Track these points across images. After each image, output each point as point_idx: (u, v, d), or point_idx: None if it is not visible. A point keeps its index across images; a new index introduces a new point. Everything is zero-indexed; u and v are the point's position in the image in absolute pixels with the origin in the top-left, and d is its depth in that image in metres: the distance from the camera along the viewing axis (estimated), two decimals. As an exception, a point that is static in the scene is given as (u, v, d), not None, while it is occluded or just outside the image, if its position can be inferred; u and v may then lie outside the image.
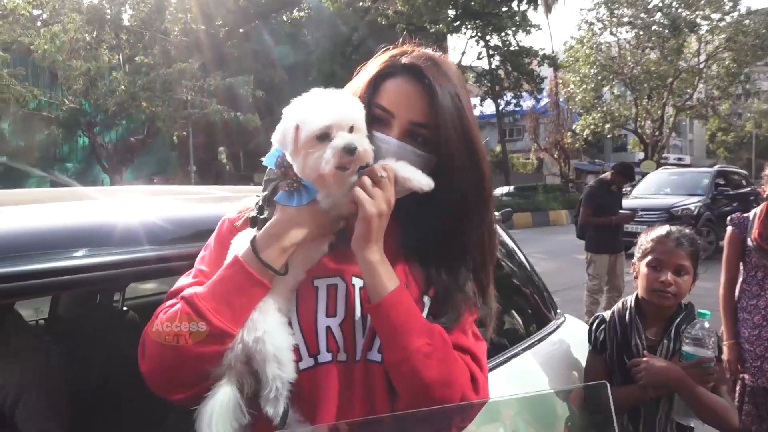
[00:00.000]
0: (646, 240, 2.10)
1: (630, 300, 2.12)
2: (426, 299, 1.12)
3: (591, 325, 2.15)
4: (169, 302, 1.06)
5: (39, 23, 16.47)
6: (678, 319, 2.00)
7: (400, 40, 1.20)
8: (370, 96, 1.11)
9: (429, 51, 1.17)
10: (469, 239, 1.14)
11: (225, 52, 18.11)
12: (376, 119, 1.09)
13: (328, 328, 1.08)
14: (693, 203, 12.82)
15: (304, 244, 1.06)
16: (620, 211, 6.56)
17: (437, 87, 1.07)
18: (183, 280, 1.12)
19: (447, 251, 1.14)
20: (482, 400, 1.08)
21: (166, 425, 1.61)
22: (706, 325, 1.92)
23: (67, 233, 1.28)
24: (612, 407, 1.11)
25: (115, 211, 1.54)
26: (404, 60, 1.12)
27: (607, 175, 6.73)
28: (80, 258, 1.19)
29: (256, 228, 1.07)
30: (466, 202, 1.12)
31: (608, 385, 1.12)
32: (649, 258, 2.05)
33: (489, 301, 1.19)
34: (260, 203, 1.09)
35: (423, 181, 1.07)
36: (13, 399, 1.78)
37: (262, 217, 1.07)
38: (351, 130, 1.02)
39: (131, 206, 1.64)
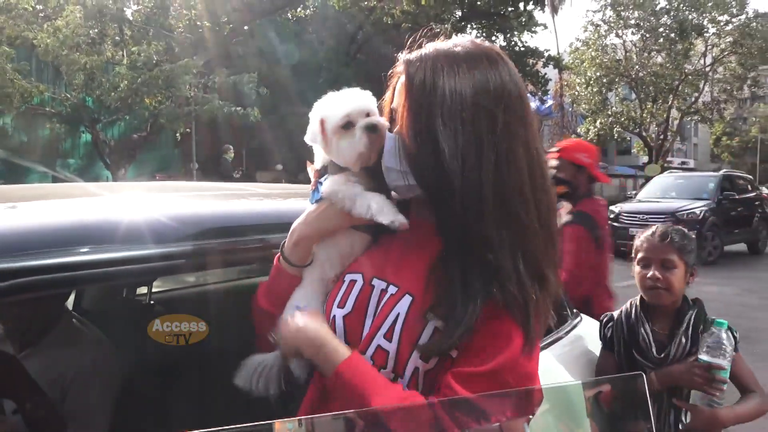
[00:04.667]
0: (637, 241, 2.18)
1: (636, 299, 2.19)
2: (431, 318, 1.06)
3: (601, 324, 2.25)
4: None
5: (41, 17, 16.43)
6: (689, 316, 2.05)
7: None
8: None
9: (440, 39, 1.16)
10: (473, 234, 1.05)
11: (230, 49, 18.06)
12: (393, 121, 1.17)
13: (333, 318, 1.18)
14: (698, 207, 12.92)
15: (320, 239, 1.24)
16: None
17: (411, 77, 1.10)
18: None
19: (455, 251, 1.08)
20: (506, 391, 1.02)
21: (198, 414, 1.71)
22: (723, 335, 1.94)
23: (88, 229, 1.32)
24: (648, 397, 1.13)
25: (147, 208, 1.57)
26: (402, 56, 1.16)
27: None
28: (108, 252, 1.23)
29: None
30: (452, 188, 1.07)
31: (644, 375, 1.15)
32: (638, 257, 2.13)
33: (540, 306, 1.06)
34: None
35: (396, 219, 1.15)
36: (62, 390, 1.84)
37: None
38: (367, 116, 1.19)
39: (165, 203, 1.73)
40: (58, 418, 1.71)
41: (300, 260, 1.25)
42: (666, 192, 14.48)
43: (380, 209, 1.15)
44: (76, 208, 1.54)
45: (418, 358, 1.05)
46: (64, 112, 16.02)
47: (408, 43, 1.18)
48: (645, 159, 34.50)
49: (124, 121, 17.30)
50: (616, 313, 2.23)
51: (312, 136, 1.21)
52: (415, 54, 1.12)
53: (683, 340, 2.01)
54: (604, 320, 2.23)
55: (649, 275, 2.04)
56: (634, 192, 20.46)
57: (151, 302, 2.75)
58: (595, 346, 2.29)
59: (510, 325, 1.03)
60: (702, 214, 12.70)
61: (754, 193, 15.06)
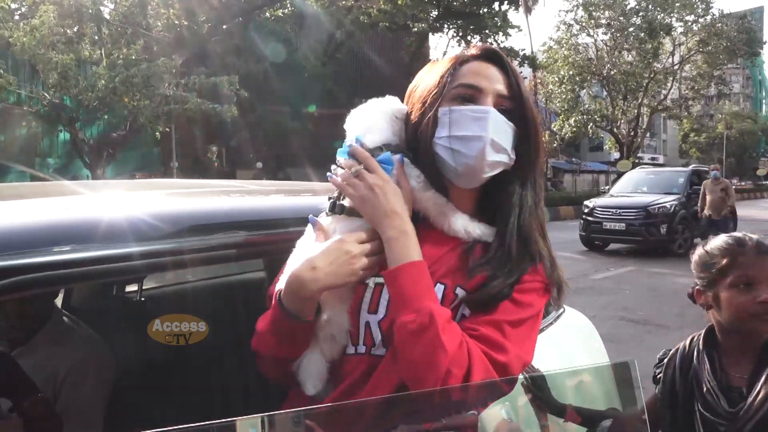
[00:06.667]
0: (713, 256, 1.63)
1: (698, 336, 1.70)
2: (459, 290, 1.13)
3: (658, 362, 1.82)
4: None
5: (17, 17, 16.26)
6: None
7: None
8: (449, 79, 1.18)
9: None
10: (512, 203, 1.19)
11: (208, 48, 18.06)
12: (464, 98, 1.17)
13: (367, 324, 1.16)
14: (669, 201, 13.22)
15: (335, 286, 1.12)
16: None
17: (509, 65, 1.18)
18: None
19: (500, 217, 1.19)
20: (488, 381, 1.05)
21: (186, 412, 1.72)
22: None
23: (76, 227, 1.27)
24: (639, 384, 1.12)
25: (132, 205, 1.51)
26: (474, 50, 1.21)
27: None
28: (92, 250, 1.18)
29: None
30: (526, 168, 1.20)
31: (635, 362, 1.11)
32: (732, 276, 1.58)
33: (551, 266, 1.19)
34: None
35: (484, 232, 1.18)
36: (55, 388, 1.83)
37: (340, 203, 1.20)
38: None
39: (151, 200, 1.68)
40: (54, 416, 1.66)
41: (311, 313, 1.14)
42: (638, 187, 14.77)
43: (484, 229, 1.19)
44: (57, 206, 1.49)
45: None
46: (42, 111, 15.88)
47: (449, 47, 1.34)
48: (616, 155, 35.22)
49: (103, 120, 17.17)
50: (672, 351, 1.76)
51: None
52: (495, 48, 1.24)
53: (766, 389, 1.49)
54: (659, 356, 1.79)
55: (761, 299, 1.52)
56: (606, 187, 20.96)
57: (142, 299, 2.69)
58: (578, 338, 2.25)
59: (539, 288, 1.17)
60: (672, 207, 12.99)
61: (721, 187, 15.54)
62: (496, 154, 1.14)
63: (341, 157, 1.20)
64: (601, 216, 13.25)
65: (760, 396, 1.48)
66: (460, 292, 1.13)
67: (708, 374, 1.59)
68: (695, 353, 1.66)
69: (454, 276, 1.14)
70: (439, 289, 1.12)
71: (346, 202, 1.18)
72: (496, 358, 1.06)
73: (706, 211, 12.01)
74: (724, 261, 1.59)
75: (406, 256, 1.09)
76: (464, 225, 1.17)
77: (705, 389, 1.58)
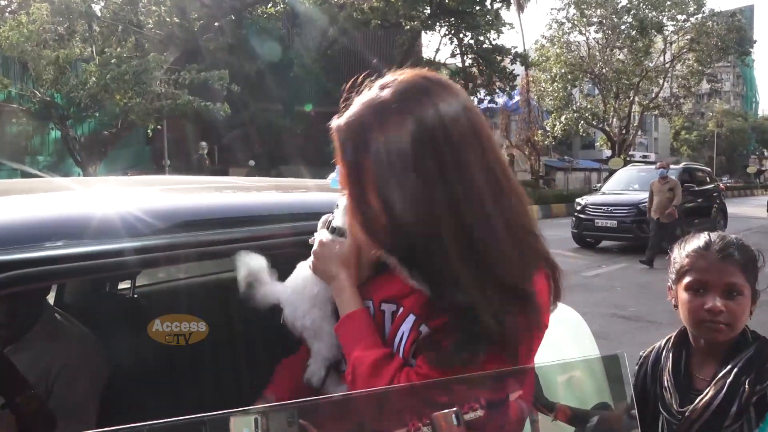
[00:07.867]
0: (680, 255, 1.58)
1: (672, 334, 1.66)
2: (423, 328, 1.06)
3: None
4: None
5: (7, 13, 16.16)
6: (739, 358, 1.48)
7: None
8: None
9: (373, 84, 1.08)
10: (435, 255, 1.01)
11: (200, 45, 18.00)
12: None
13: None
14: (660, 199, 13.23)
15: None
16: None
17: (342, 146, 1.06)
18: None
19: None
20: (488, 372, 0.99)
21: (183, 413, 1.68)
22: None
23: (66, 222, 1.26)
24: (629, 377, 1.10)
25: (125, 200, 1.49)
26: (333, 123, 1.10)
27: None
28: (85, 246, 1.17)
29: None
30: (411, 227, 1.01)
31: (625, 355, 1.07)
32: (688, 279, 1.52)
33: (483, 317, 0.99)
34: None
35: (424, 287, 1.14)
36: (47, 385, 1.83)
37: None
38: None
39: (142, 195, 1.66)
40: (47, 413, 1.64)
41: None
42: (629, 184, 14.81)
43: None
44: (49, 201, 1.47)
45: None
46: (32, 108, 15.77)
47: (348, 86, 1.11)
48: (608, 153, 35.41)
49: (95, 118, 17.05)
50: (648, 350, 1.71)
51: None
52: (342, 119, 1.06)
53: (712, 391, 1.45)
54: (641, 354, 1.73)
55: (707, 306, 1.46)
56: (598, 185, 21.09)
57: (135, 296, 2.65)
58: (569, 334, 2.25)
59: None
60: (664, 205, 13.07)
61: (712, 185, 15.63)
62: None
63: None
64: (592, 213, 13.30)
65: (706, 398, 1.45)
66: (423, 329, 1.07)
67: (668, 373, 1.56)
68: (664, 353, 1.63)
69: (421, 310, 1.08)
70: (410, 320, 1.10)
71: (337, 222, 1.22)
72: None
73: (653, 214, 11.29)
74: (686, 261, 1.55)
75: (342, 311, 1.17)
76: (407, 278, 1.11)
77: (664, 387, 1.56)
